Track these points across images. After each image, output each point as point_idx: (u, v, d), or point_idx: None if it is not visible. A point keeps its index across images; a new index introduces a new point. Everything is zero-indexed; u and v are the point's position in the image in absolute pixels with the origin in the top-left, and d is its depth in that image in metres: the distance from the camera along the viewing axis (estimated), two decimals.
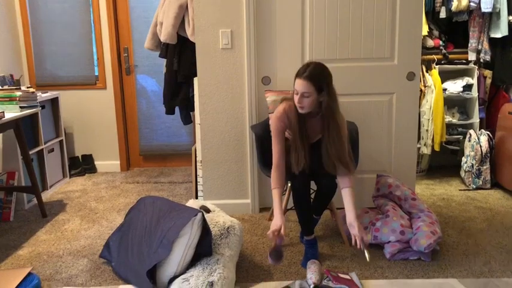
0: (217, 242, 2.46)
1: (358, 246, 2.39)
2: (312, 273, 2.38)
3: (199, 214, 2.33)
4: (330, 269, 2.48)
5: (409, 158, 3.42)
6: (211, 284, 2.17)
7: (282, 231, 2.37)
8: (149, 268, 2.26)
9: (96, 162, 4.69)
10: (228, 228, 2.54)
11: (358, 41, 3.24)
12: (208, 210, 2.70)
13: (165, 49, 3.65)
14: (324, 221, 3.15)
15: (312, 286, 2.30)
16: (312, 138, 2.62)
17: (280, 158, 2.56)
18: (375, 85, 3.30)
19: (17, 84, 4.11)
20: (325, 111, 2.47)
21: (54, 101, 4.27)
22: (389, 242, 2.71)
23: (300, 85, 2.40)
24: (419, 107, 3.97)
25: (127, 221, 2.72)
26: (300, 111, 2.48)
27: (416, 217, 2.83)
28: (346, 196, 2.56)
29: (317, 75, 2.40)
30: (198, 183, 3.52)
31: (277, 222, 2.40)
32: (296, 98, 2.44)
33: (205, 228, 2.36)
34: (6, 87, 3.79)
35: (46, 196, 3.90)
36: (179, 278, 2.24)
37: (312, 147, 2.66)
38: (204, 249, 2.37)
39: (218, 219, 2.60)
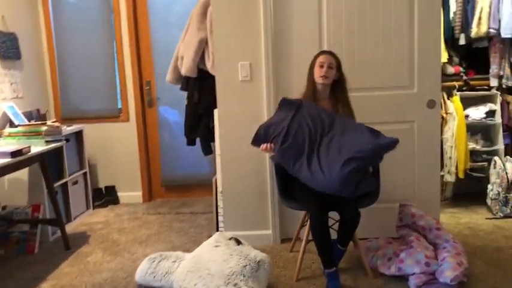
0: (248, 275, 2.46)
1: None
2: None
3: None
4: None
5: (432, 186, 3.36)
6: None
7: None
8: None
9: (119, 194, 4.75)
10: (259, 262, 2.55)
11: (376, 70, 3.25)
12: (239, 242, 2.69)
13: (185, 82, 3.72)
14: (346, 252, 3.10)
15: None
16: None
17: None
18: (395, 114, 3.28)
19: (43, 118, 4.23)
20: (340, 87, 2.88)
21: (79, 134, 4.37)
22: (414, 273, 2.64)
23: (327, 58, 2.82)
24: (442, 134, 3.92)
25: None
26: (323, 81, 2.81)
27: (441, 248, 2.76)
28: None
29: (336, 55, 2.88)
30: (219, 214, 3.52)
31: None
32: (322, 70, 2.80)
33: None
34: (32, 121, 3.91)
35: (70, 228, 3.95)
36: None
37: None
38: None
39: (249, 252, 2.60)
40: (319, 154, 2.60)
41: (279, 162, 2.77)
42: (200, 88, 3.63)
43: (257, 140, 2.73)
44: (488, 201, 3.96)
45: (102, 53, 4.62)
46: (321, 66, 2.80)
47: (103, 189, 4.71)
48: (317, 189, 2.60)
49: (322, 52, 2.89)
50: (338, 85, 2.88)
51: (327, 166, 2.54)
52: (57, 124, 3.66)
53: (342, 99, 2.88)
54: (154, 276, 2.78)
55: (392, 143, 2.58)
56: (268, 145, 2.70)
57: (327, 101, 2.88)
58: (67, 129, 4.08)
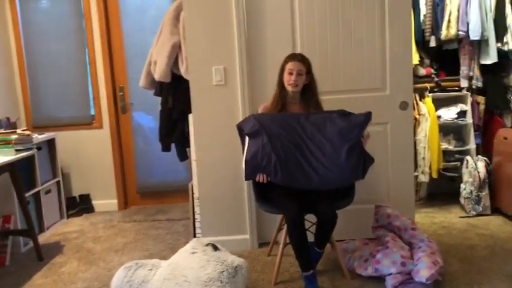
0: (225, 281, 2.43)
1: None
2: None
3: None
4: None
5: (407, 186, 3.40)
6: None
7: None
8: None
9: (93, 202, 4.66)
10: (236, 267, 2.53)
11: (349, 73, 3.28)
12: (216, 248, 2.67)
13: (159, 87, 3.69)
14: (323, 254, 3.10)
15: None
16: None
17: None
18: None
19: (13, 126, 4.13)
20: (310, 92, 2.87)
21: (51, 142, 4.27)
22: (391, 274, 2.66)
23: (296, 65, 2.80)
24: (415, 136, 3.98)
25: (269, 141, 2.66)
26: (292, 89, 2.82)
27: (417, 247, 2.79)
28: None
29: (306, 59, 2.86)
30: (196, 220, 3.49)
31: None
32: (291, 77, 2.79)
33: None
34: (2, 130, 3.81)
35: (43, 238, 3.86)
36: None
37: None
38: None
39: (226, 257, 2.58)
40: (314, 156, 2.62)
41: (288, 185, 2.67)
42: (174, 93, 3.60)
43: (249, 175, 2.66)
44: (462, 200, 4.04)
45: (73, 59, 4.54)
46: (290, 74, 2.80)
47: (77, 197, 4.62)
48: (321, 188, 2.63)
49: (292, 57, 2.85)
50: (308, 89, 2.88)
51: (330, 163, 2.59)
52: (27, 132, 3.57)
53: (312, 103, 2.88)
54: (130, 285, 2.73)
55: (368, 117, 2.71)
56: (263, 176, 2.62)
57: (297, 106, 2.89)
58: (38, 137, 3.99)
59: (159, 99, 3.77)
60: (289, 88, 2.83)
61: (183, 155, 3.85)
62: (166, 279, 2.56)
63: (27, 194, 3.64)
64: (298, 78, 2.80)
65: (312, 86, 2.88)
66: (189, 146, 3.64)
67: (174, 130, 3.73)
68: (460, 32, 3.93)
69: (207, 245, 2.70)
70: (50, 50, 4.52)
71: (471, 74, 4.10)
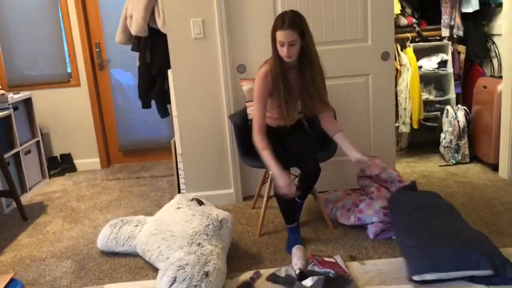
0: (211, 234, 2.47)
1: (379, 166, 2.59)
2: (297, 259, 2.39)
3: None
4: (314, 254, 2.49)
5: (388, 137, 3.44)
6: (207, 274, 2.17)
7: (294, 184, 2.49)
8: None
9: (75, 161, 4.62)
10: (221, 220, 2.55)
11: (331, 24, 3.22)
12: (201, 203, 2.69)
13: (136, 42, 3.59)
14: (307, 205, 3.16)
15: (297, 272, 2.30)
16: (295, 95, 2.68)
17: (263, 121, 2.64)
18: (350, 67, 3.30)
19: None
20: (308, 54, 2.54)
21: (28, 102, 4.17)
22: (373, 223, 2.73)
23: (285, 36, 2.44)
24: (396, 86, 3.99)
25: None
26: (287, 60, 2.52)
27: None
28: (342, 139, 2.67)
29: (297, 21, 2.47)
30: (180, 176, 3.50)
31: (282, 179, 2.43)
32: (283, 49, 2.47)
33: None
34: None
35: (26, 199, 3.83)
36: (174, 265, 2.23)
37: (291, 130, 2.75)
38: None
39: (211, 211, 2.60)
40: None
41: None
42: (152, 48, 3.51)
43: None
44: (441, 149, 4.11)
45: (46, 15, 4.37)
46: (282, 45, 2.48)
47: (58, 157, 4.57)
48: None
49: (280, 25, 2.46)
50: (304, 52, 2.55)
51: None
52: (2, 92, 3.48)
53: (308, 68, 2.59)
54: (116, 242, 2.76)
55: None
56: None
57: (295, 71, 2.65)
58: (14, 97, 3.89)
59: (136, 55, 3.68)
60: (285, 59, 2.53)
61: (164, 112, 3.81)
62: (152, 235, 2.58)
63: (6, 155, 3.58)
64: (291, 49, 2.47)
65: (307, 50, 2.53)
66: (169, 103, 3.59)
67: (153, 86, 3.67)
68: None
69: (192, 200, 2.72)
70: (20, 6, 4.33)
71: (452, 23, 4.06)
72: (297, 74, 2.65)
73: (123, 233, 2.78)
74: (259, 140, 2.58)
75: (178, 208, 2.71)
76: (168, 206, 2.82)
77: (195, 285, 2.13)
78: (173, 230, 2.53)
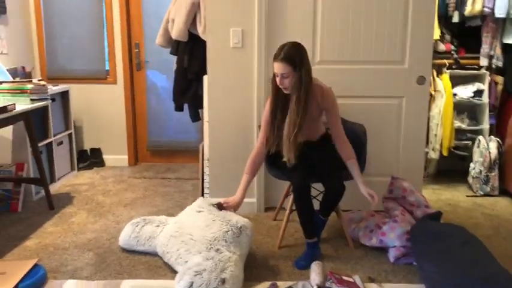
0: (230, 240, 2.48)
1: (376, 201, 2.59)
2: (315, 275, 2.39)
3: None
4: (333, 271, 2.48)
5: (416, 162, 3.41)
6: (223, 281, 2.20)
7: (235, 208, 2.72)
8: None
9: (104, 156, 4.72)
10: (241, 227, 2.56)
11: (369, 43, 3.23)
12: (221, 208, 2.71)
13: (176, 46, 3.67)
14: (329, 222, 3.14)
15: (315, 287, 2.30)
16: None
17: (262, 147, 2.73)
18: (384, 88, 3.29)
19: (28, 76, 4.15)
20: (304, 85, 2.53)
21: (65, 94, 4.30)
22: (395, 246, 2.70)
23: (278, 67, 2.51)
24: (429, 112, 3.95)
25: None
26: (285, 91, 2.58)
27: None
28: (354, 169, 2.68)
29: (292, 54, 2.50)
30: (205, 180, 3.53)
31: (235, 198, 2.72)
32: (277, 80, 2.55)
33: None
34: (18, 79, 3.83)
35: (54, 188, 3.93)
36: (191, 269, 2.25)
37: (313, 146, 2.77)
38: None
39: (231, 217, 2.62)
40: None
41: None
42: (190, 53, 3.58)
43: None
44: (470, 179, 4.04)
45: (90, 12, 4.51)
46: (277, 76, 2.54)
47: (88, 151, 4.68)
48: None
49: (275, 56, 2.53)
50: (301, 83, 2.54)
51: None
52: (43, 83, 3.59)
53: (302, 102, 2.55)
54: (138, 241, 2.80)
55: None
56: None
57: (295, 96, 2.60)
58: (53, 88, 4.01)
59: (174, 59, 3.76)
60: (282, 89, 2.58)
61: (196, 116, 3.86)
62: (172, 237, 2.62)
63: (40, 144, 3.69)
64: (284, 81, 2.52)
65: (302, 82, 2.52)
66: (202, 107, 3.64)
67: (188, 90, 3.74)
68: (486, 9, 3.83)
69: (213, 204, 2.75)
70: (67, 2, 4.48)
71: (492, 52, 4.01)
72: (298, 99, 2.58)
73: (144, 232, 2.82)
74: (248, 163, 2.77)
75: (199, 212, 2.74)
76: (189, 209, 2.85)
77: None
78: (193, 234, 2.56)
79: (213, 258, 2.33)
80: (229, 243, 2.48)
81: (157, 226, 2.84)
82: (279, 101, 2.64)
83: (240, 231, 2.55)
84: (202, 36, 3.40)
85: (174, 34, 3.53)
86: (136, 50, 4.60)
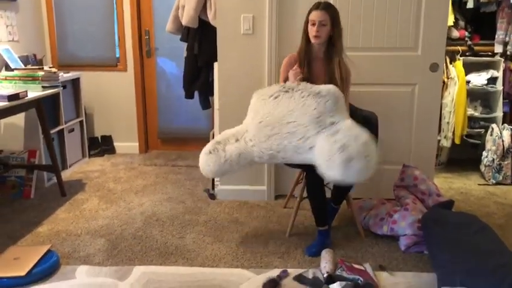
0: (333, 109, 2.41)
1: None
2: (326, 263, 2.39)
3: None
4: (344, 259, 2.48)
5: (428, 150, 3.37)
6: (365, 143, 2.28)
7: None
8: None
9: (115, 143, 4.74)
10: (334, 93, 2.46)
11: (382, 30, 3.19)
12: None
13: (186, 33, 3.65)
14: (339, 211, 3.14)
15: (325, 275, 2.30)
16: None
17: None
18: (397, 75, 3.25)
19: (39, 63, 4.17)
20: (335, 45, 2.64)
21: (76, 82, 4.31)
22: (405, 235, 2.69)
23: (318, 15, 2.59)
24: (442, 99, 3.90)
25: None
26: (315, 41, 2.63)
27: None
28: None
29: (332, 7, 2.65)
30: None
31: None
32: (313, 28, 2.60)
33: None
34: (29, 66, 3.84)
35: (66, 175, 3.96)
36: (334, 148, 2.27)
37: None
38: None
39: (314, 88, 2.48)
40: None
41: None
42: (200, 40, 3.56)
43: None
44: (482, 168, 4.00)
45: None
46: (313, 25, 2.60)
47: (99, 138, 4.70)
48: None
49: (315, 6, 2.63)
50: (332, 42, 2.66)
51: None
52: (54, 70, 3.60)
53: (335, 59, 2.66)
54: (230, 163, 2.54)
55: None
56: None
57: (321, 60, 2.72)
58: (64, 75, 4.02)
59: (184, 46, 3.74)
60: (312, 40, 2.63)
61: (206, 104, 3.86)
62: (270, 136, 2.45)
63: (51, 131, 3.71)
64: (320, 29, 2.58)
65: (335, 39, 2.64)
66: (212, 95, 3.63)
67: (198, 77, 3.72)
68: None
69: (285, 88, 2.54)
70: None
71: (507, 39, 3.94)
72: (322, 64, 2.71)
73: (231, 153, 2.54)
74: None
75: (276, 97, 2.51)
76: (259, 103, 2.58)
77: (366, 156, 2.24)
78: (295, 120, 2.41)
79: (338, 132, 2.30)
80: (333, 113, 2.40)
81: (237, 140, 2.57)
82: (307, 53, 2.70)
83: (334, 97, 2.43)
84: (213, 23, 3.37)
85: (185, 21, 3.51)
86: (147, 37, 4.59)
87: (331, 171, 2.29)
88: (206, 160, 2.60)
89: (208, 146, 2.61)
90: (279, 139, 2.42)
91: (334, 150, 2.26)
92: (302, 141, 2.37)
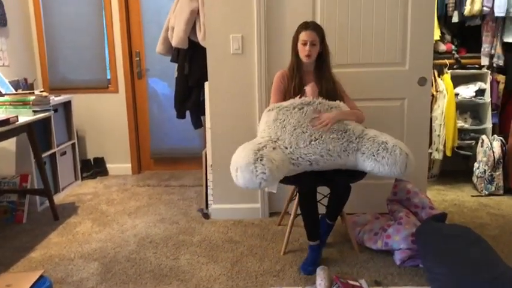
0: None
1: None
2: (321, 280, 2.37)
3: None
4: (339, 276, 2.47)
5: (420, 163, 3.38)
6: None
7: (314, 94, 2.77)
8: None
9: (107, 165, 4.73)
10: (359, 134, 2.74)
11: (369, 46, 3.23)
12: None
13: (176, 54, 3.68)
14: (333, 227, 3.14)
15: None
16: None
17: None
18: (386, 90, 3.29)
19: (30, 88, 4.17)
20: (323, 59, 2.83)
21: (67, 105, 4.31)
22: (400, 249, 2.69)
23: (308, 35, 2.74)
24: (431, 112, 3.94)
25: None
26: (306, 60, 2.78)
27: None
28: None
29: (319, 27, 2.82)
30: (209, 187, 3.53)
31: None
32: (305, 48, 2.75)
33: None
34: (20, 91, 3.85)
35: (58, 199, 3.94)
36: (392, 148, 2.63)
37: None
38: None
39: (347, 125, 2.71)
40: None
41: None
42: (191, 60, 3.59)
43: None
44: (474, 179, 4.02)
45: (90, 22, 4.53)
46: (304, 44, 2.75)
47: (91, 160, 4.69)
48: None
49: (304, 27, 2.78)
50: (321, 58, 2.83)
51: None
52: (45, 94, 3.61)
53: (325, 73, 2.83)
54: (278, 169, 2.44)
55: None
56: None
57: (311, 74, 2.85)
58: (55, 99, 4.02)
59: (174, 66, 3.77)
60: (303, 59, 2.78)
61: (198, 123, 3.87)
62: (312, 141, 2.59)
63: (43, 155, 3.70)
64: (311, 49, 2.75)
65: (324, 55, 2.82)
66: (203, 114, 3.65)
67: (189, 97, 3.74)
68: (485, 8, 3.83)
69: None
70: (67, 13, 4.51)
71: (493, 51, 4.01)
72: (313, 78, 2.84)
73: (276, 159, 2.44)
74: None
75: (301, 109, 2.65)
76: (283, 116, 2.64)
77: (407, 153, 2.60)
78: (333, 127, 2.64)
79: (377, 135, 2.68)
80: (355, 124, 2.76)
81: (274, 148, 2.53)
82: (299, 68, 2.83)
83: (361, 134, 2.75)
84: (202, 43, 3.41)
85: (174, 42, 3.54)
86: (137, 59, 4.62)
87: (394, 166, 2.57)
88: (248, 171, 2.43)
89: (250, 157, 2.44)
90: (322, 145, 2.59)
91: (390, 148, 2.58)
92: (347, 144, 2.61)
